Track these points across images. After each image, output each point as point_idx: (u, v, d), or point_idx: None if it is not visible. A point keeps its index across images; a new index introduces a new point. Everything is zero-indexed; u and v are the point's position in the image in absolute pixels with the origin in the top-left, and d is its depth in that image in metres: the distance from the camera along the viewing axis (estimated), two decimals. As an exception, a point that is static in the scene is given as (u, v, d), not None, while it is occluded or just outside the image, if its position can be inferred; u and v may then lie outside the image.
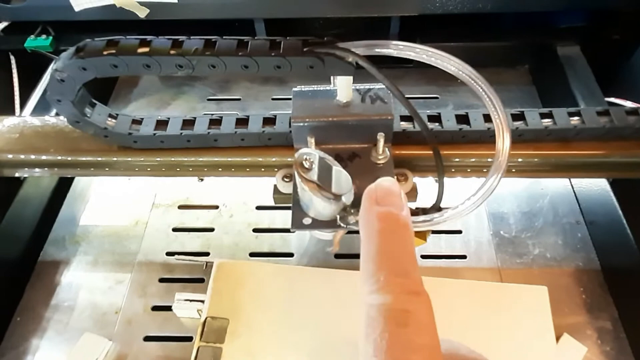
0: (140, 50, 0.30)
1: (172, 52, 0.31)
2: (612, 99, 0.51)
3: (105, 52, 0.30)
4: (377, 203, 0.19)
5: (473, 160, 0.38)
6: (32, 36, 0.60)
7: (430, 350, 0.14)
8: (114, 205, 0.53)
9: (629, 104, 0.49)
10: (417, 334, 0.15)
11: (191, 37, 0.31)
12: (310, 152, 0.29)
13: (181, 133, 0.38)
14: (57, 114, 0.44)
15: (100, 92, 0.62)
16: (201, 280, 0.47)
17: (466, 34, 0.61)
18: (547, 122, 0.37)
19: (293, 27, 0.62)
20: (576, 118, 0.37)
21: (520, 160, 0.38)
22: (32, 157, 0.41)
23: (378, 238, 0.18)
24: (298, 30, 0.64)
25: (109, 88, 0.64)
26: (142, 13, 0.54)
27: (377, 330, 0.15)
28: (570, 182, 0.53)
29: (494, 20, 0.61)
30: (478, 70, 0.31)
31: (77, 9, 0.54)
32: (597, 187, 0.48)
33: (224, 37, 0.31)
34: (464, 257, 0.48)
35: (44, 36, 0.60)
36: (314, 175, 0.28)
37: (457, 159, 0.38)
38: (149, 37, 0.31)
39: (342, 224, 0.31)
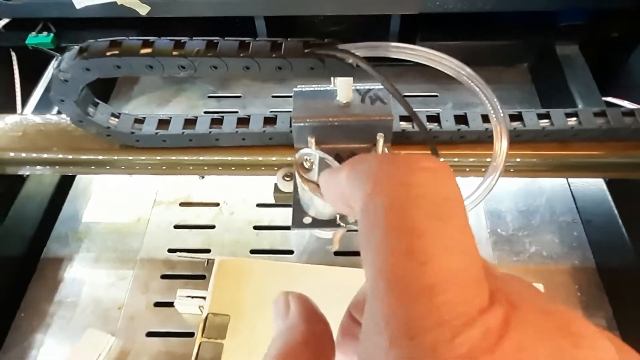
0: (143, 51, 0.31)
1: (174, 53, 0.31)
2: (610, 99, 0.52)
3: (108, 53, 0.31)
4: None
5: (471, 160, 0.39)
6: (34, 33, 0.60)
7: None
8: (115, 202, 0.54)
9: (626, 103, 0.49)
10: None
11: (193, 38, 0.31)
12: (311, 153, 0.30)
13: (183, 132, 0.38)
14: (59, 112, 0.44)
15: (102, 89, 0.63)
16: (202, 277, 0.47)
17: (466, 32, 0.61)
18: (544, 122, 0.37)
19: (293, 24, 0.62)
20: (573, 119, 0.37)
21: (517, 160, 0.39)
22: (35, 155, 0.41)
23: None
24: (298, 28, 0.64)
25: (110, 86, 0.64)
26: (143, 10, 0.55)
27: (408, 220, 0.11)
28: (567, 181, 0.53)
29: (494, 19, 0.61)
30: (477, 69, 0.32)
31: (78, 6, 0.54)
32: (594, 186, 0.49)
33: (225, 38, 0.31)
34: (461, 254, 0.48)
35: (45, 33, 0.60)
36: (314, 175, 0.29)
37: (455, 159, 0.39)
38: (151, 38, 0.31)
39: (341, 223, 0.31)
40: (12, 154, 0.41)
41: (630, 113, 0.37)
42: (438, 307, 0.10)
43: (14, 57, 0.61)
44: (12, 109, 0.59)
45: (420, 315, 0.10)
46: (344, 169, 0.14)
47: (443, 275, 0.11)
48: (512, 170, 0.39)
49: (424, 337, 0.10)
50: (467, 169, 0.40)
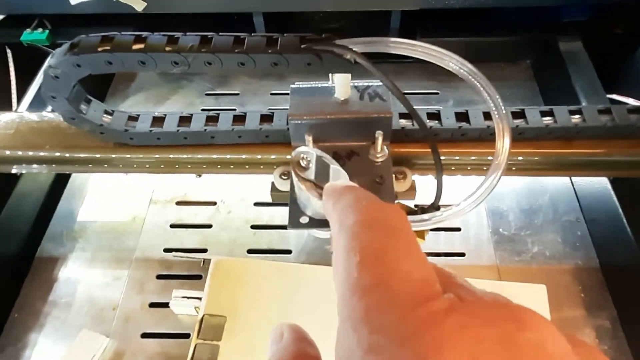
0: (135, 46, 0.30)
1: (167, 48, 0.30)
2: (614, 96, 0.51)
3: (99, 49, 0.30)
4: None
5: (473, 158, 0.38)
6: (29, 29, 0.59)
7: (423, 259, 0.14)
8: (111, 201, 0.53)
9: (631, 101, 0.48)
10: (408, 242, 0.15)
11: (187, 34, 0.31)
12: (308, 151, 0.29)
13: (178, 130, 0.37)
14: (54, 110, 0.43)
15: (98, 87, 0.62)
16: (199, 277, 0.47)
17: (467, 29, 0.61)
18: (547, 120, 0.36)
19: (292, 21, 0.62)
20: (577, 116, 0.36)
21: (520, 158, 0.38)
22: (29, 153, 0.41)
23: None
24: (297, 24, 0.63)
25: (106, 83, 0.64)
26: (140, 6, 0.54)
27: (365, 239, 0.14)
28: (571, 180, 0.52)
29: (496, 15, 0.60)
30: (479, 66, 0.31)
31: (73, 2, 0.54)
32: (598, 184, 0.48)
33: (220, 33, 0.31)
34: (462, 254, 0.48)
35: (40, 29, 0.59)
36: (311, 174, 0.28)
37: (457, 157, 0.38)
38: (144, 33, 0.30)
39: (339, 224, 0.30)
40: (6, 152, 0.41)
41: (636, 110, 0.36)
42: (390, 296, 0.13)
43: (9, 54, 0.61)
44: (7, 107, 0.59)
45: (374, 304, 0.13)
46: (330, 200, 0.18)
47: (393, 274, 0.13)
48: (514, 168, 0.38)
49: (376, 320, 0.12)
50: (469, 168, 0.39)
